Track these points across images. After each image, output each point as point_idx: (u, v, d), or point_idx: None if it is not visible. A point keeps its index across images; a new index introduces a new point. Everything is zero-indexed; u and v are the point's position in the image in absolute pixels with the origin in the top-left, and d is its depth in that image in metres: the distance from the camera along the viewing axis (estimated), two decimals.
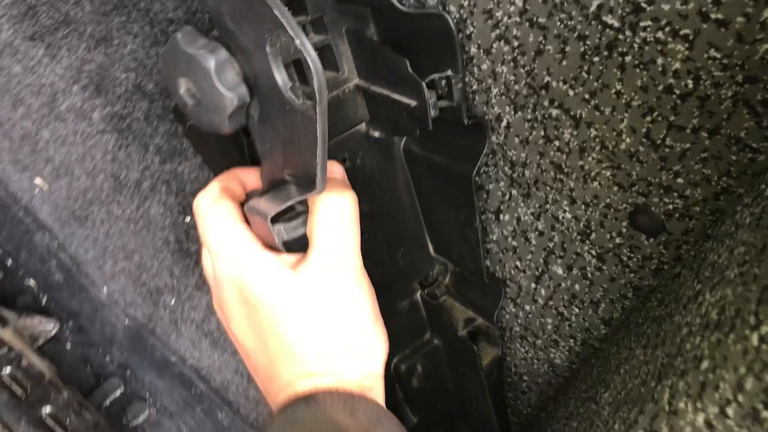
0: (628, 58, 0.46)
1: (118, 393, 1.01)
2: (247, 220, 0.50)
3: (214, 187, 0.50)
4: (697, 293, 0.42)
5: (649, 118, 0.49)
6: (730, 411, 0.32)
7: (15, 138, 0.79)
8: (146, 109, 0.67)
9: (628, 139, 0.51)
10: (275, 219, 0.50)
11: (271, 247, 0.49)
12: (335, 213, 0.47)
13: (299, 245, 0.51)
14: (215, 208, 0.48)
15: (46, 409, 0.91)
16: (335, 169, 0.56)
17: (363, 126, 0.66)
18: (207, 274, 0.52)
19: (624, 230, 0.58)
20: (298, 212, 0.51)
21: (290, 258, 0.48)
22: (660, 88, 0.46)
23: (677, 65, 0.43)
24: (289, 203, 0.48)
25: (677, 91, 0.45)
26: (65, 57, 0.66)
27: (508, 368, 0.80)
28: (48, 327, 1.02)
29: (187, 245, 0.72)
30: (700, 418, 0.34)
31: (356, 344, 0.48)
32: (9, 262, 1.07)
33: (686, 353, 0.38)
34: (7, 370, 0.92)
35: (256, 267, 0.46)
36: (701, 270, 0.44)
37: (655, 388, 0.41)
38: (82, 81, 0.67)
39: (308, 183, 0.47)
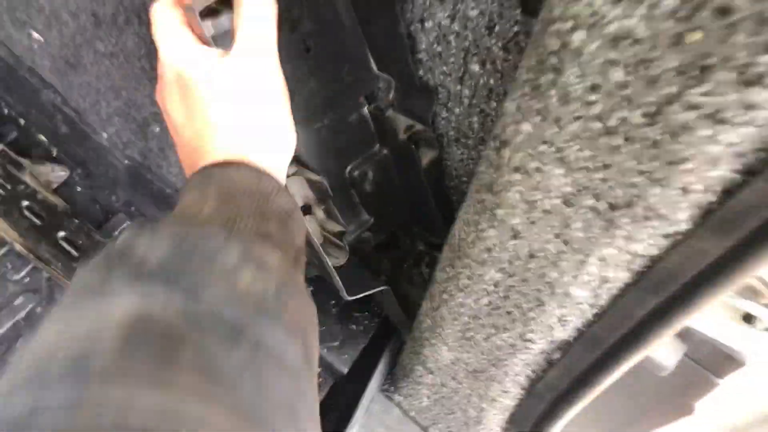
0: None
1: (124, 226, 1.15)
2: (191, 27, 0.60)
3: None
4: None
5: None
6: None
7: None
8: None
9: None
10: (205, 15, 0.60)
11: (206, 43, 0.59)
12: (253, 8, 0.56)
13: (226, 42, 0.62)
14: (163, 12, 0.58)
15: (61, 234, 1.05)
16: None
17: None
18: (159, 75, 0.63)
19: (519, 18, 0.67)
20: (226, 9, 0.62)
21: (218, 50, 0.58)
22: None
23: None
24: None
25: None
26: None
27: (449, 173, 0.91)
28: (60, 173, 1.15)
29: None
30: None
31: (269, 125, 0.57)
32: (21, 121, 1.19)
33: None
34: (25, 203, 1.06)
35: (190, 55, 0.56)
36: None
37: None
38: None
39: None
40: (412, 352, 0.94)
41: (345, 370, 1.06)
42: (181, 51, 0.55)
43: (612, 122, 0.40)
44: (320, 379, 1.10)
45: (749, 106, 0.34)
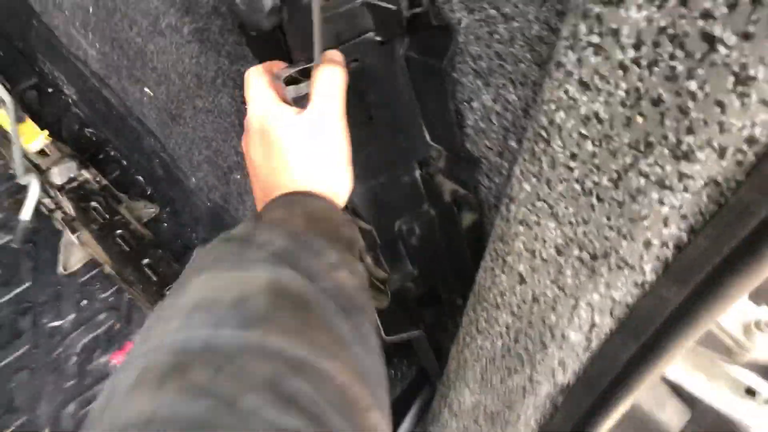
0: None
1: None
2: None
3: (259, 65, 0.74)
4: None
5: (543, 8, 0.69)
6: None
7: (131, 55, 1.07)
8: (220, 24, 0.93)
9: (536, 26, 0.72)
10: (289, 82, 0.74)
11: (287, 103, 0.73)
12: (326, 79, 0.70)
13: (304, 105, 0.75)
14: (255, 76, 0.72)
15: (145, 261, 1.20)
16: (335, 55, 0.78)
17: (370, 34, 0.89)
18: (244, 127, 0.77)
19: None
20: (305, 79, 0.76)
21: (296, 108, 0.72)
22: None
23: None
24: (297, 69, 0.72)
25: None
26: None
27: (488, 234, 1.02)
28: (150, 210, 1.31)
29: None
30: None
31: (330, 172, 0.69)
32: (124, 162, 1.38)
33: None
34: (119, 231, 1.22)
35: (274, 110, 0.69)
36: None
37: None
38: (176, 5, 0.94)
39: (310, 57, 0.71)
40: (441, 395, 1.02)
41: None
42: (267, 106, 0.68)
43: (588, 184, 0.51)
44: None
45: (683, 176, 0.43)
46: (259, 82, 0.70)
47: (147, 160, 1.29)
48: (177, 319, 0.43)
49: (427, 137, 0.97)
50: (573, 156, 0.50)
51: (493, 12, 0.76)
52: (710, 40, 0.37)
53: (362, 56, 0.89)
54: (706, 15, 0.37)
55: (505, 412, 0.84)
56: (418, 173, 0.99)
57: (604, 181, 0.49)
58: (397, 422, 1.11)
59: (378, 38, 0.88)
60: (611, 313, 0.59)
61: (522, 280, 0.65)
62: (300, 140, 0.67)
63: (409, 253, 1.02)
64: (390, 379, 1.18)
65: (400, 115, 0.95)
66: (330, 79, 0.69)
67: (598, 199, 0.50)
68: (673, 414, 0.82)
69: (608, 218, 0.51)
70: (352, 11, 0.86)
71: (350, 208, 0.99)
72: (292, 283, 0.47)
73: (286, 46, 0.88)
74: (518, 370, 0.76)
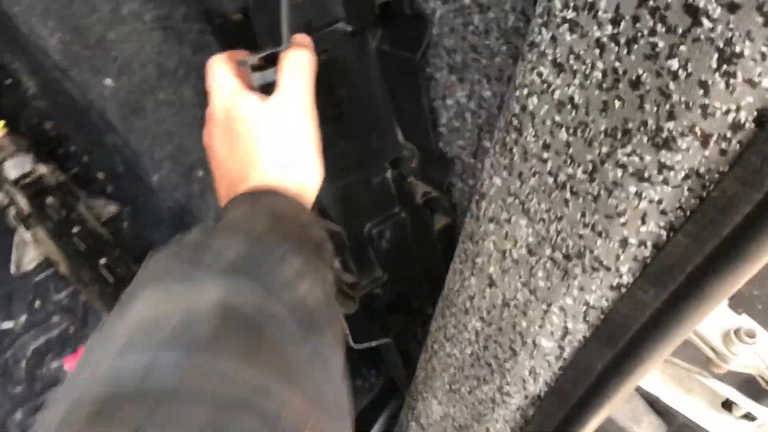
0: None
1: None
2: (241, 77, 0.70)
3: (222, 53, 0.70)
4: None
5: None
6: None
7: (91, 44, 1.02)
8: (184, 12, 0.89)
9: (512, 17, 0.69)
10: (255, 68, 0.70)
11: (252, 89, 0.69)
12: (294, 64, 0.66)
13: (270, 92, 0.71)
14: (218, 64, 0.68)
15: (102, 260, 1.15)
16: (303, 39, 0.74)
17: (341, 24, 0.85)
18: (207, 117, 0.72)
19: None
20: (272, 66, 0.72)
21: (262, 95, 0.68)
22: None
23: None
24: (263, 54, 0.68)
25: None
26: None
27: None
28: (111, 208, 1.26)
29: None
30: None
31: (300, 161, 0.66)
32: (85, 157, 1.32)
33: None
34: (76, 229, 1.16)
35: (238, 97, 0.65)
36: None
37: None
38: None
39: (277, 41, 0.67)
40: (408, 407, 0.98)
41: None
42: (231, 94, 0.64)
43: (561, 177, 0.47)
44: None
45: (663, 167, 0.40)
46: (222, 70, 0.66)
47: (108, 156, 1.24)
48: (119, 341, 0.39)
49: (400, 136, 0.93)
50: (546, 146, 0.46)
51: (467, 1, 0.72)
52: (693, 13, 0.34)
53: (333, 47, 0.85)
54: None
55: (474, 425, 0.80)
56: (389, 173, 0.96)
57: (579, 173, 0.45)
58: None
59: (349, 28, 0.85)
60: (585, 319, 0.55)
61: (492, 283, 0.61)
62: (267, 128, 0.63)
63: (378, 257, 0.98)
64: (357, 390, 1.15)
65: (371, 112, 0.91)
66: (298, 63, 0.65)
67: (572, 193, 0.47)
68: (649, 428, 0.79)
69: (583, 214, 0.47)
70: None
71: (318, 208, 0.95)
72: (245, 299, 0.43)
73: (253, 35, 0.84)
74: (487, 380, 0.72)
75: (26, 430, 1.09)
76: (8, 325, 1.15)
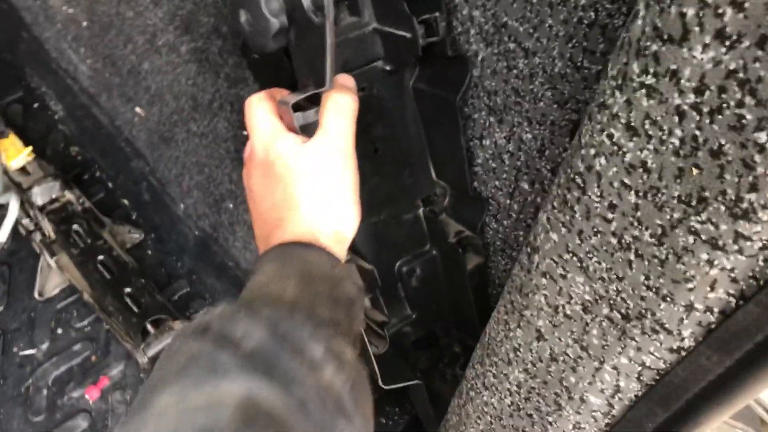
0: None
1: (184, 291, 1.23)
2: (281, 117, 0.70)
3: (261, 92, 0.69)
4: None
5: (570, 45, 0.65)
6: None
7: (123, 72, 1.03)
8: (220, 45, 0.89)
9: (559, 63, 0.68)
10: (296, 108, 0.69)
11: (293, 131, 0.68)
12: (338, 107, 0.65)
13: (311, 133, 0.71)
14: (258, 103, 0.67)
15: (127, 290, 1.14)
16: (347, 81, 0.73)
17: (380, 63, 0.85)
18: (245, 156, 0.71)
19: (568, 145, 0.74)
20: (313, 106, 0.71)
21: (303, 137, 0.67)
22: (575, 19, 0.63)
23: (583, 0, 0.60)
24: (306, 95, 0.68)
25: (585, 21, 0.62)
26: (165, 3, 0.88)
27: (492, 281, 0.97)
28: (135, 236, 1.26)
29: (244, 154, 0.93)
30: None
31: (337, 208, 0.63)
32: (110, 184, 1.32)
33: None
34: (101, 257, 1.15)
35: (279, 139, 0.64)
36: None
37: None
38: (176, 22, 0.89)
39: (320, 82, 0.67)
40: None
41: None
42: (271, 134, 0.63)
43: (626, 239, 0.46)
44: None
45: (739, 236, 0.39)
46: (262, 109, 0.65)
47: (134, 183, 1.24)
48: None
49: (433, 174, 0.93)
50: (612, 207, 0.45)
51: (512, 45, 0.72)
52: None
53: (370, 85, 0.85)
54: None
55: None
56: (421, 211, 0.95)
57: (646, 236, 0.44)
58: None
59: (387, 67, 0.84)
60: (639, 378, 0.53)
61: (540, 337, 0.60)
62: (306, 172, 0.62)
63: (408, 295, 0.97)
64: (380, 428, 1.13)
65: (406, 150, 0.90)
66: (341, 106, 0.64)
67: (637, 255, 0.46)
68: None
69: (647, 277, 0.46)
70: (362, 37, 0.82)
71: (350, 245, 0.94)
72: (268, 393, 0.42)
73: (290, 70, 0.84)
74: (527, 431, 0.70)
75: None
76: (30, 351, 1.14)
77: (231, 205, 1.03)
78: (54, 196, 1.19)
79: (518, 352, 0.64)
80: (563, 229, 0.50)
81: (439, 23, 0.75)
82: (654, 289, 0.46)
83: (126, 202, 1.29)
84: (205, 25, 0.89)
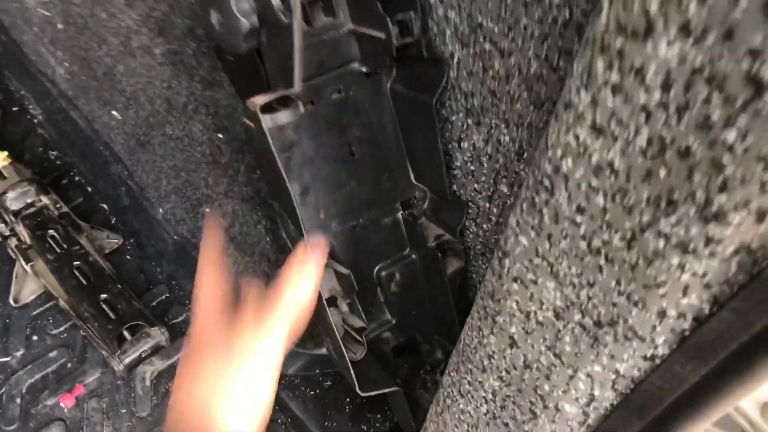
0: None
1: (163, 297, 1.21)
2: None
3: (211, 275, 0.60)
4: None
5: (545, 45, 0.64)
6: None
7: (99, 76, 1.01)
8: (195, 47, 0.87)
9: (535, 64, 0.66)
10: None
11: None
12: (284, 304, 0.57)
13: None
14: (208, 290, 0.59)
15: (103, 296, 1.12)
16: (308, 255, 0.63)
17: (356, 64, 0.83)
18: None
19: None
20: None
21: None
22: (549, 18, 0.61)
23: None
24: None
25: (560, 20, 0.60)
26: (139, 4, 0.87)
27: (473, 285, 0.95)
28: (113, 241, 1.23)
29: (219, 157, 0.91)
30: None
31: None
32: (89, 188, 1.30)
33: None
34: (77, 263, 1.13)
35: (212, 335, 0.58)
36: None
37: None
38: (150, 24, 0.88)
39: (289, 83, 0.65)
40: None
41: None
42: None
43: (595, 243, 0.44)
44: None
45: (710, 240, 0.37)
46: (209, 297, 0.59)
47: (113, 187, 1.22)
48: None
49: (412, 177, 0.91)
50: (580, 210, 0.44)
51: (488, 46, 0.70)
52: (756, 84, 0.31)
53: (346, 87, 0.83)
54: (754, 54, 0.31)
55: None
56: (400, 215, 0.93)
57: (616, 240, 0.42)
58: None
59: (363, 69, 0.83)
60: (613, 387, 0.52)
61: (513, 344, 0.58)
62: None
63: (387, 300, 0.95)
64: None
65: (383, 152, 0.89)
66: (287, 304, 0.58)
67: (607, 259, 0.44)
68: None
69: (618, 282, 0.44)
70: (337, 39, 0.80)
71: (328, 251, 0.93)
72: None
73: (264, 73, 0.82)
74: None
75: None
76: (4, 359, 1.12)
77: (208, 210, 1.01)
78: (30, 201, 1.17)
79: (492, 359, 0.62)
80: (532, 233, 0.49)
81: (413, 23, 0.73)
82: (626, 295, 0.45)
83: (105, 206, 1.27)
84: (180, 27, 0.87)
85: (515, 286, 0.54)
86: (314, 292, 0.60)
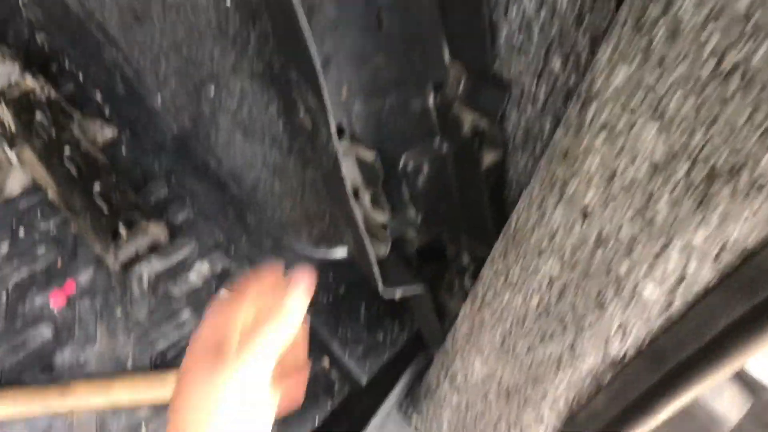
0: None
1: (162, 194, 1.11)
2: None
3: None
4: None
5: None
6: None
7: None
8: None
9: None
10: None
11: None
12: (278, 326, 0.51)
13: None
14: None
15: (96, 187, 1.02)
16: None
17: None
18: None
19: (613, 11, 0.61)
20: None
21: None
22: None
23: None
24: None
25: None
26: None
27: (509, 181, 0.85)
28: (107, 132, 1.13)
29: (225, 27, 0.80)
30: None
31: None
32: (80, 75, 1.19)
33: None
34: (67, 151, 1.03)
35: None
36: None
37: None
38: None
39: None
40: (441, 367, 0.86)
41: (364, 380, 0.99)
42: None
43: (726, 64, 0.34)
44: (336, 385, 1.03)
45: None
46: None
47: (107, 74, 1.11)
48: None
49: (446, 53, 0.80)
50: (713, 16, 0.33)
51: None
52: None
53: None
54: None
55: (527, 388, 0.69)
56: (432, 98, 0.83)
57: (760, 54, 0.32)
58: (384, 393, 0.95)
59: None
60: (716, 260, 0.43)
61: (586, 216, 0.48)
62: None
63: (413, 195, 0.86)
64: (378, 345, 1.04)
65: (416, 24, 0.78)
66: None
67: (745, 83, 0.34)
68: (731, 402, 0.67)
69: (755, 110, 0.34)
70: None
71: (350, 132, 0.82)
72: None
73: None
74: (555, 336, 0.60)
75: (3, 368, 0.98)
76: None
77: (212, 91, 0.90)
78: (13, 81, 1.06)
79: (554, 240, 0.53)
80: (637, 58, 0.38)
81: None
82: (761, 131, 0.35)
83: (98, 95, 1.16)
84: None
85: (600, 138, 0.44)
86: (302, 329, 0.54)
